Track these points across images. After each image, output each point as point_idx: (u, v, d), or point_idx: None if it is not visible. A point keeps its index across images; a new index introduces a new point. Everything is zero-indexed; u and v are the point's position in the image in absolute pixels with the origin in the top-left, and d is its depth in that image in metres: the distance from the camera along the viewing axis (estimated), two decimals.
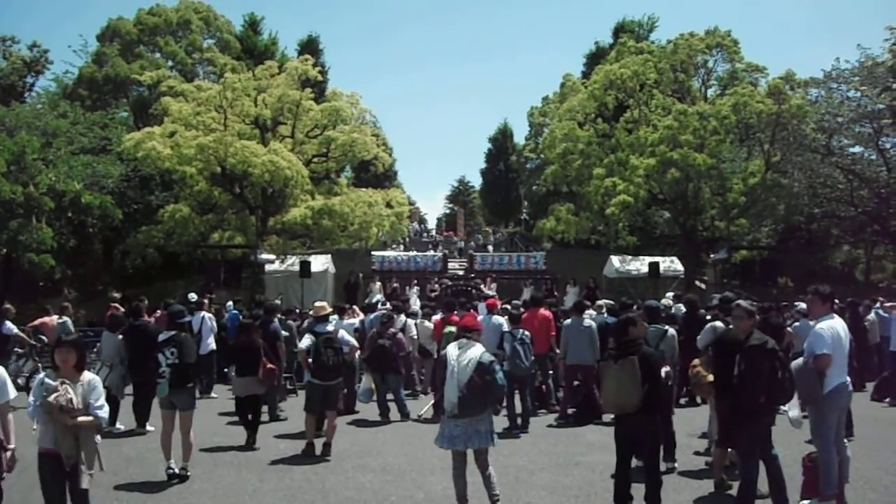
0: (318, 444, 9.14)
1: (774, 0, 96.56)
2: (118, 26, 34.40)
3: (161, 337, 8.36)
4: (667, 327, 9.38)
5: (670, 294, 18.34)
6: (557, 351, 12.01)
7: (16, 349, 14.19)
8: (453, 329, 9.79)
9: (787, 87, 25.33)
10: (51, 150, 24.13)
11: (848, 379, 6.71)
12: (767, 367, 6.12)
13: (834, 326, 6.64)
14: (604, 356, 6.84)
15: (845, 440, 6.82)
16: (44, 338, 14.81)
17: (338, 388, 9.63)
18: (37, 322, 15.30)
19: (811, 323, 7.20)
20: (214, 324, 14.83)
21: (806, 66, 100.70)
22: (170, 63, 34.48)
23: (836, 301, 8.44)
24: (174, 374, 8.04)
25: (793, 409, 6.59)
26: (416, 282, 24.57)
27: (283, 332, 12.30)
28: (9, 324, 13.96)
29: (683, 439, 8.72)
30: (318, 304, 10.02)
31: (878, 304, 15.42)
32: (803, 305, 11.49)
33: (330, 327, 9.52)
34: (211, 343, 14.39)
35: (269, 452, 9.31)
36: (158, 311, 14.95)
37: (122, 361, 10.82)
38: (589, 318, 11.80)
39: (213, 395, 13.93)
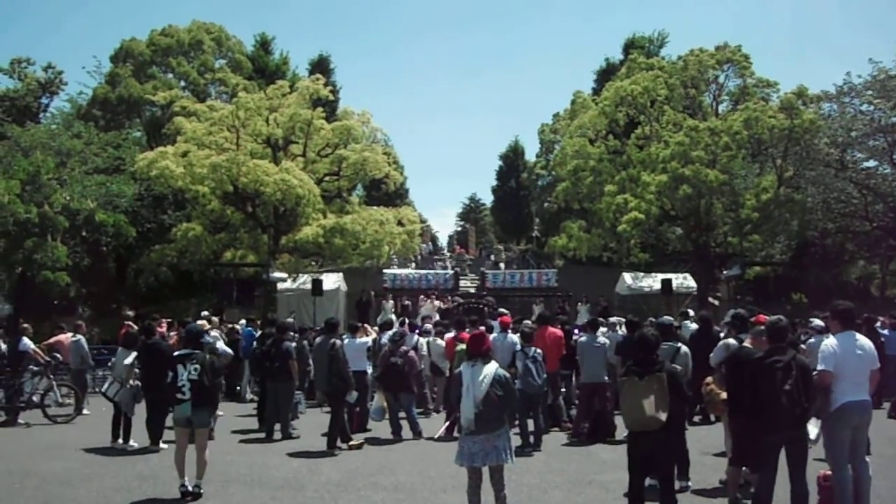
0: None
1: (785, 15, 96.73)
2: (131, 47, 34.74)
3: (180, 352, 8.28)
4: (679, 344, 9.34)
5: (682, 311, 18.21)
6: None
7: (30, 366, 14.27)
8: (465, 347, 9.80)
9: (799, 102, 25.17)
10: (65, 169, 24.39)
11: (865, 397, 6.54)
12: None
13: (843, 343, 6.53)
14: (624, 372, 6.71)
15: (867, 458, 6.73)
16: (58, 356, 14.91)
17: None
18: (51, 340, 15.42)
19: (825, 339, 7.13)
20: (221, 343, 14.81)
21: (818, 81, 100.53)
22: (182, 83, 34.72)
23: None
24: (195, 391, 7.92)
25: (811, 427, 6.51)
26: (435, 294, 24.51)
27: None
28: (25, 340, 14.07)
29: (697, 457, 8.64)
30: (200, 321, 12.00)
31: (877, 323, 15.19)
32: (818, 322, 11.37)
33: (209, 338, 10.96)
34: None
35: (281, 470, 9.31)
36: (174, 333, 14.98)
37: (134, 379, 10.87)
38: (603, 336, 11.75)
39: (218, 412, 13.85)
